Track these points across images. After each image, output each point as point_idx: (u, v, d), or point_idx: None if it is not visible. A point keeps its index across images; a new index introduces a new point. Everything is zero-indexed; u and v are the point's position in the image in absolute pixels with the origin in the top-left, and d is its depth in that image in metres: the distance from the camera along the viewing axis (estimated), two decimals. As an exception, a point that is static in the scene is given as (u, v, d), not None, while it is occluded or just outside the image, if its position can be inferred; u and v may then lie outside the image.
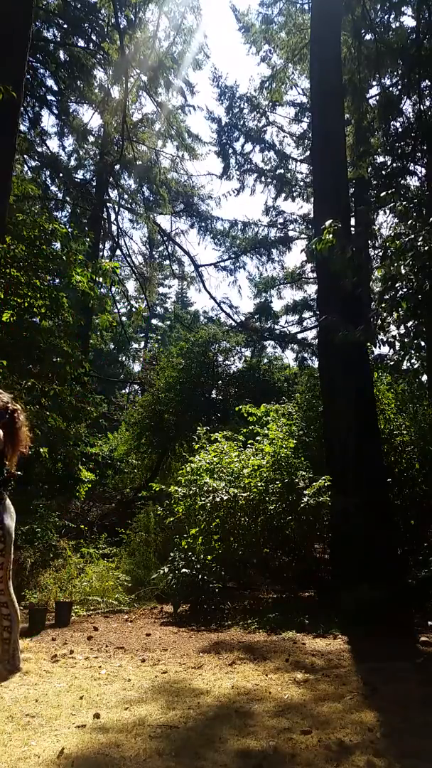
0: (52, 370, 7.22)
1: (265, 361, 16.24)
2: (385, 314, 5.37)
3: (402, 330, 5.36)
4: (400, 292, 5.22)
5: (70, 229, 7.27)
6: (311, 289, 18.97)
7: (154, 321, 34.33)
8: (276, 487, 6.54)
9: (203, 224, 18.97)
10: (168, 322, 33.19)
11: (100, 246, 17.02)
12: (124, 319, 18.87)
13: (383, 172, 11.01)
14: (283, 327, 19.84)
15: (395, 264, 5.15)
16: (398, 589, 5.76)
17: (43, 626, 5.14)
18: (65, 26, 14.16)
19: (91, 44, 14.23)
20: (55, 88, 15.14)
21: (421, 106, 10.43)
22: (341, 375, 6.79)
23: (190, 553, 6.16)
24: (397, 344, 5.38)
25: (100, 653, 4.37)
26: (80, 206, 16.51)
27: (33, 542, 6.63)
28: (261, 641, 4.73)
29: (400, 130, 10.93)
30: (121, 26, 12.32)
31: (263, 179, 17.41)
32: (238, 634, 5.08)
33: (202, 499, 6.70)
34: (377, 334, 5.53)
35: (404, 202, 5.88)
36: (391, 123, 10.87)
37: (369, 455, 6.54)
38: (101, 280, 7.40)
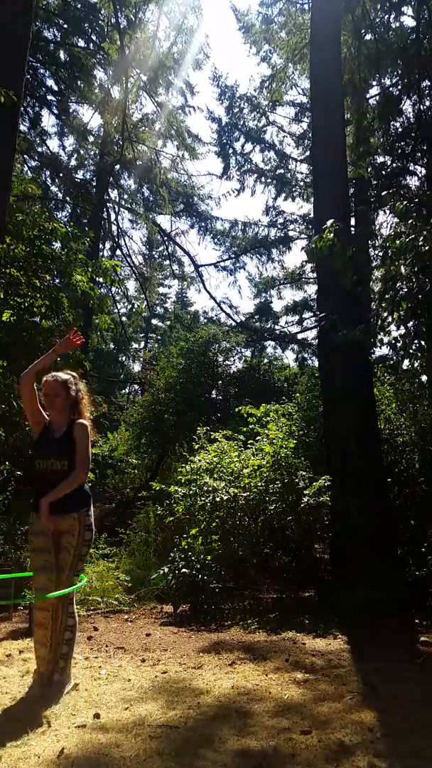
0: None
1: (265, 361, 16.23)
2: (385, 314, 5.37)
3: (402, 330, 5.36)
4: (400, 292, 5.22)
5: (70, 229, 7.26)
6: (311, 289, 18.98)
7: (154, 321, 34.27)
8: (276, 487, 6.54)
9: (203, 224, 18.98)
10: (168, 322, 33.10)
11: (100, 246, 17.01)
12: (124, 319, 18.85)
13: (383, 172, 11.00)
14: (283, 327, 19.84)
15: (395, 264, 5.15)
16: (398, 589, 5.76)
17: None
18: (65, 26, 14.17)
19: (91, 44, 14.24)
20: (55, 88, 15.17)
21: (421, 106, 10.40)
22: (341, 375, 6.79)
23: (190, 553, 6.16)
24: (398, 344, 5.38)
25: (100, 653, 4.37)
26: (80, 206, 16.50)
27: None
28: (261, 641, 4.73)
29: (400, 130, 10.91)
30: (121, 26, 12.32)
31: (263, 179, 17.43)
32: (238, 634, 5.08)
33: (202, 499, 6.70)
34: (377, 334, 5.53)
35: (404, 202, 5.88)
36: (391, 123, 10.85)
37: (369, 455, 6.54)
38: (102, 279, 7.39)
